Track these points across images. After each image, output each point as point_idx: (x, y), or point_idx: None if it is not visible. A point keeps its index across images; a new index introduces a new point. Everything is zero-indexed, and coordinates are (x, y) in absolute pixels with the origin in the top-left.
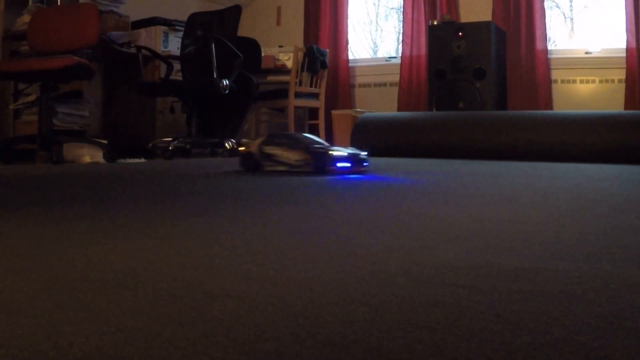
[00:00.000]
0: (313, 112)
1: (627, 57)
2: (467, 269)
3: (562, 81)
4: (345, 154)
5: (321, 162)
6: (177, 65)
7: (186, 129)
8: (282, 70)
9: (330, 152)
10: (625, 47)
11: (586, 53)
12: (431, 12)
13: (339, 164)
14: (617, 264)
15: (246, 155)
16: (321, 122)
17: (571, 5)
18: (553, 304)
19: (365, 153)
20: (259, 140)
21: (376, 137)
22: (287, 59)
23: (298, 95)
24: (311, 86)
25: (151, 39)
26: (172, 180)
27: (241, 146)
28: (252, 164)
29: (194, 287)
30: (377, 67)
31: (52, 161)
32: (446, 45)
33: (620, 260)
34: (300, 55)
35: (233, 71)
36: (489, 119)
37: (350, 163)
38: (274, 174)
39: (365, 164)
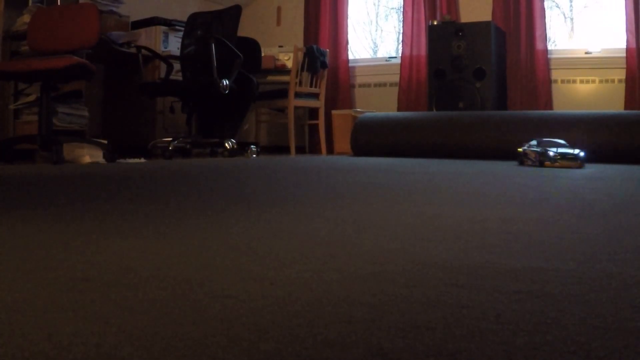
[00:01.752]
0: (313, 112)
1: (627, 57)
2: (467, 269)
3: (562, 81)
4: (583, 153)
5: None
6: (177, 65)
7: (186, 129)
8: (282, 70)
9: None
10: (625, 47)
11: (586, 53)
12: (431, 12)
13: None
14: (617, 264)
15: (530, 154)
16: (321, 122)
17: (571, 5)
18: (553, 304)
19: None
20: (532, 145)
21: (376, 137)
22: (287, 59)
23: (298, 95)
24: (311, 86)
25: (151, 39)
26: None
27: (520, 148)
28: (537, 161)
29: (194, 287)
30: (377, 67)
31: (52, 161)
32: (446, 45)
33: (620, 260)
34: (300, 55)
35: (233, 71)
36: (488, 119)
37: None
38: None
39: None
